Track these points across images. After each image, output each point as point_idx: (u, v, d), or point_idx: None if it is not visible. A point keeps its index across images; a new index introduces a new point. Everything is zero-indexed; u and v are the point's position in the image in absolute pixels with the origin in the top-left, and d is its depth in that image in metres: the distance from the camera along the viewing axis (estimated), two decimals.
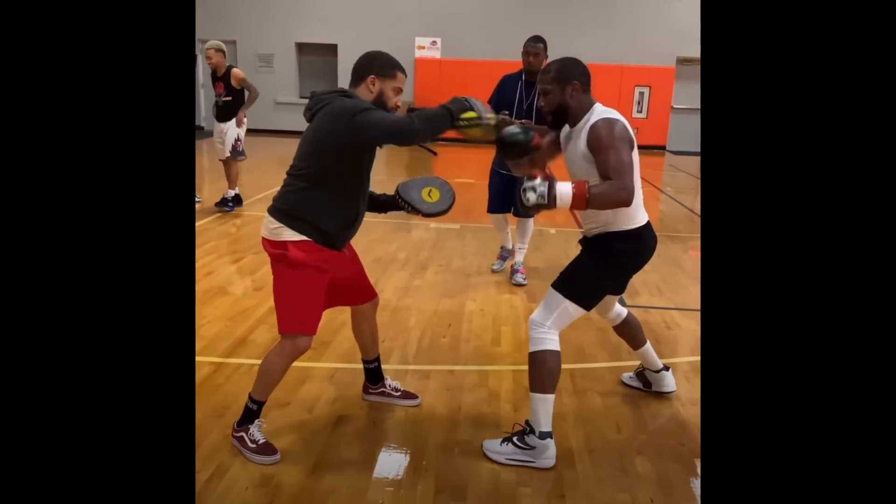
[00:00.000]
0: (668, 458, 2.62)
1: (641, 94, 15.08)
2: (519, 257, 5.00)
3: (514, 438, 2.56)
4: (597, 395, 3.14)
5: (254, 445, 2.47)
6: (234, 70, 6.63)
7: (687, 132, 15.48)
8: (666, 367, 3.13)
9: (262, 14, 15.29)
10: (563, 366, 2.63)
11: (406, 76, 2.49)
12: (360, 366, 3.07)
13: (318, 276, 2.42)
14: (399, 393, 2.95)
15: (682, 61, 15.11)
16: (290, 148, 9.44)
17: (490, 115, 2.35)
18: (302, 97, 15.89)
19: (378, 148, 2.50)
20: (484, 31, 15.10)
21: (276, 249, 2.39)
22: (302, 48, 15.71)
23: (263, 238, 2.44)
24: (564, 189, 2.27)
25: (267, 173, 9.19)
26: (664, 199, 9.25)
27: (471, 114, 2.30)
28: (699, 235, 6.55)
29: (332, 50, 15.54)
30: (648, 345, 3.09)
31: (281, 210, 2.39)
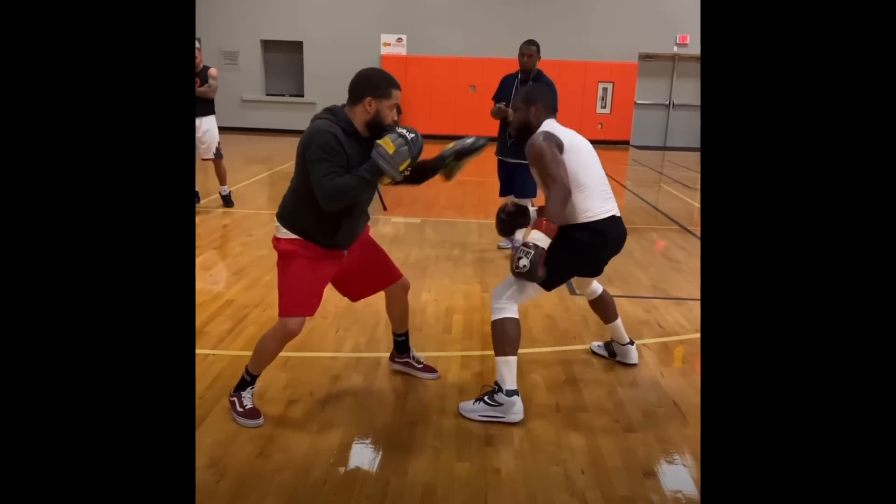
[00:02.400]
0: (601, 433, 2.76)
1: (605, 89, 15.33)
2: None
3: (485, 397, 2.84)
4: (539, 377, 3.27)
5: (241, 410, 2.74)
6: (212, 70, 6.72)
7: (649, 127, 15.80)
8: (631, 342, 3.47)
9: (226, 11, 15.22)
10: None
11: (400, 90, 2.63)
12: (313, 354, 3.23)
13: (308, 266, 2.65)
14: (421, 365, 3.23)
15: (644, 57, 15.38)
16: (257, 145, 9.66)
17: (404, 149, 2.46)
18: (268, 94, 15.88)
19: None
20: (449, 28, 15.20)
21: (276, 244, 2.71)
22: (267, 45, 15.67)
23: (273, 236, 2.74)
24: (536, 235, 2.66)
25: (232, 171, 9.20)
26: (625, 192, 9.45)
27: (405, 164, 2.48)
28: (655, 227, 6.71)
29: (297, 47, 15.53)
30: (619, 320, 3.44)
31: (280, 212, 2.71)
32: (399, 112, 2.74)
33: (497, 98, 5.47)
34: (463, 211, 7.27)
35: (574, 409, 2.96)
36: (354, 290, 3.01)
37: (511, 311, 2.82)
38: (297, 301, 2.67)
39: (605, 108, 15.39)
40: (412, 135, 2.50)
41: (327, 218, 2.60)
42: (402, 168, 2.49)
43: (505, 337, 2.81)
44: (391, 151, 2.45)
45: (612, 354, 3.51)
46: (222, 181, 7.10)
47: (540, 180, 2.85)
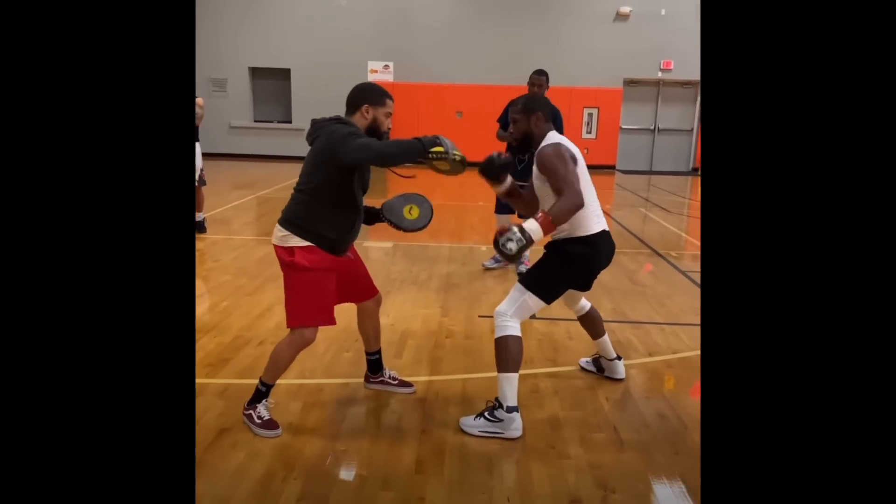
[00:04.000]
0: (534, 459, 2.72)
1: (590, 115, 15.43)
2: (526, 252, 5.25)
3: (486, 413, 2.92)
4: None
5: (259, 421, 2.84)
6: (198, 99, 6.74)
7: (635, 152, 15.88)
8: (618, 357, 3.55)
9: (214, 39, 15.35)
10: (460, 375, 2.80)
11: (394, 101, 2.82)
12: (254, 381, 3.18)
13: (321, 277, 2.77)
14: (396, 381, 3.31)
15: (629, 83, 15.50)
16: (245, 171, 9.69)
17: (457, 153, 2.61)
18: (256, 121, 15.97)
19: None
20: (436, 54, 15.33)
21: (284, 254, 2.75)
22: (255, 72, 15.79)
23: (274, 245, 2.79)
24: (532, 226, 2.68)
25: (215, 196, 9.21)
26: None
27: (439, 148, 2.57)
28: (626, 251, 6.70)
29: (285, 74, 15.65)
30: (606, 336, 3.51)
31: (288, 220, 2.75)
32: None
33: (503, 121, 5.66)
34: (437, 235, 7.27)
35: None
36: (336, 296, 2.99)
37: (514, 329, 2.90)
38: (315, 311, 2.79)
39: (590, 133, 15.48)
40: (461, 155, 2.63)
41: (343, 217, 2.77)
42: (458, 159, 2.60)
43: (508, 354, 2.87)
44: (447, 169, 2.63)
45: (601, 370, 3.58)
46: (198, 208, 7.10)
47: (551, 186, 2.84)
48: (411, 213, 3.03)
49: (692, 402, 3.34)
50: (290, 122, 15.67)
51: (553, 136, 2.97)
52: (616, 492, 2.52)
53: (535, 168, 2.96)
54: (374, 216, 3.05)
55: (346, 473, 2.59)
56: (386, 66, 15.51)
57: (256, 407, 2.87)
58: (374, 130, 2.75)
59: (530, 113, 2.98)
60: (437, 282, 5.45)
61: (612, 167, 15.64)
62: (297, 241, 2.71)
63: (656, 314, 4.77)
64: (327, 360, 3.67)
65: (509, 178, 3.17)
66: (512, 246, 2.68)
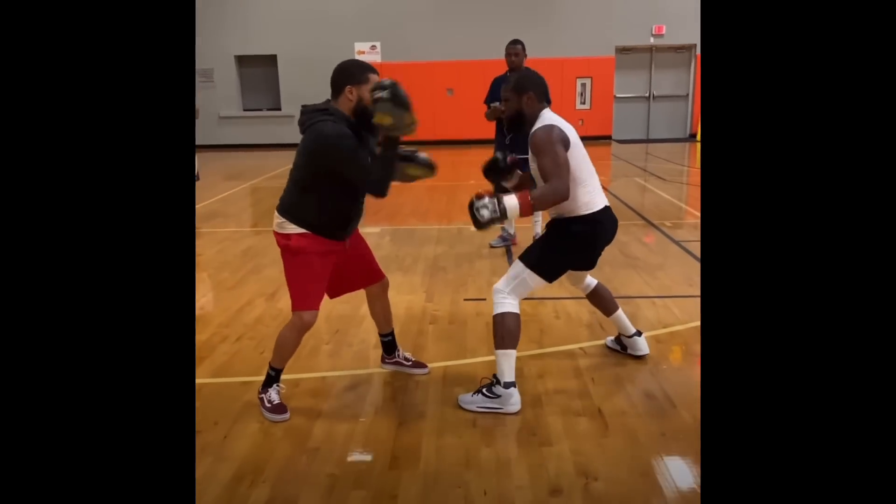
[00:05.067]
0: (514, 448, 2.62)
1: (583, 85, 15.20)
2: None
3: (483, 389, 2.91)
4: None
5: (269, 405, 2.89)
6: None
7: (631, 120, 15.65)
8: (638, 333, 3.43)
9: (198, 29, 15.10)
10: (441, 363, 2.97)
11: (378, 75, 2.72)
12: (228, 379, 3.12)
13: (319, 260, 2.77)
14: (410, 363, 3.32)
15: (621, 50, 15.23)
16: (237, 161, 9.61)
17: (398, 110, 2.52)
18: (245, 110, 15.80)
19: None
20: (423, 32, 15.08)
21: (282, 240, 2.78)
22: (242, 61, 15.60)
23: (274, 231, 2.81)
24: (511, 202, 2.67)
25: (209, 190, 9.12)
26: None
27: (408, 118, 2.56)
28: (620, 223, 6.63)
29: (271, 60, 15.45)
30: (620, 311, 3.39)
31: (284, 207, 2.77)
32: None
33: (489, 100, 5.62)
34: (426, 217, 7.14)
35: (494, 424, 2.82)
36: (340, 284, 3.04)
37: (512, 306, 2.88)
38: (311, 295, 2.81)
39: (584, 104, 15.24)
40: (390, 90, 2.51)
41: (338, 211, 2.77)
42: (408, 123, 2.56)
43: (505, 330, 2.86)
44: (390, 121, 2.53)
45: (624, 348, 3.47)
46: None
47: (539, 171, 2.80)
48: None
49: (681, 378, 3.22)
50: (279, 108, 15.48)
51: (547, 117, 2.88)
52: (598, 479, 2.41)
53: (529, 147, 2.89)
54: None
55: (317, 474, 2.49)
56: (373, 47, 15.27)
57: (268, 391, 2.91)
58: (362, 111, 2.66)
59: (522, 92, 2.89)
60: (423, 266, 5.33)
61: (609, 137, 15.42)
62: (294, 228, 2.73)
63: (648, 287, 4.64)
64: (305, 353, 3.56)
65: (517, 174, 3.17)
66: (486, 213, 2.66)
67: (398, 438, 2.72)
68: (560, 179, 2.71)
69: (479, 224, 2.70)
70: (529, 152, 2.90)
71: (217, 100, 15.45)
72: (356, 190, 2.77)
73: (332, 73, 2.73)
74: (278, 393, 2.93)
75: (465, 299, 4.47)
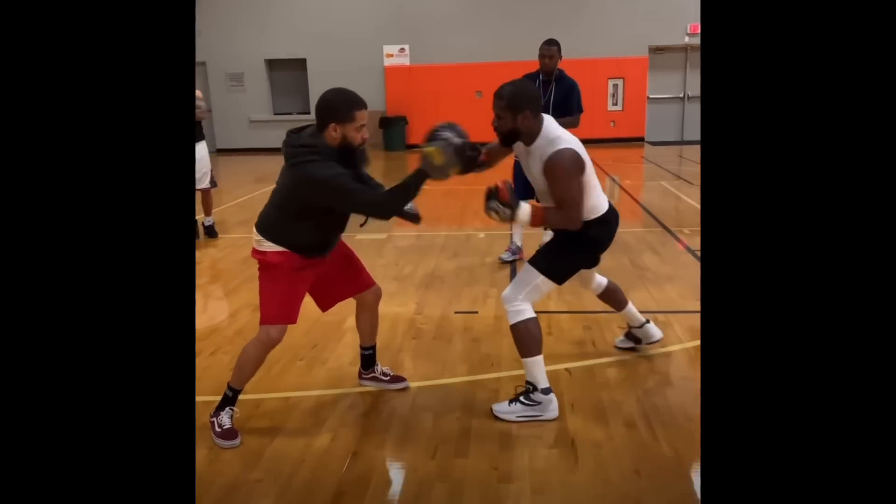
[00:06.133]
0: (471, 485, 2.41)
1: (615, 86, 14.79)
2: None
3: (521, 398, 2.85)
4: (431, 414, 2.93)
5: (219, 430, 2.73)
6: (196, 91, 6.17)
7: (664, 122, 15.19)
8: (647, 320, 3.46)
9: (230, 34, 15.25)
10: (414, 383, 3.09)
11: (366, 108, 2.58)
12: (206, 398, 3.02)
13: (293, 276, 2.69)
14: (388, 378, 3.21)
15: (655, 50, 14.80)
16: (266, 165, 9.51)
17: (454, 158, 2.56)
18: (276, 114, 15.84)
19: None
20: (452, 35, 14.90)
21: (258, 255, 2.72)
22: (272, 65, 15.64)
23: (252, 248, 2.75)
24: (525, 210, 2.67)
25: (227, 194, 9.10)
26: (620, 192, 8.98)
27: (452, 169, 2.59)
28: (635, 231, 6.26)
29: (301, 64, 15.45)
30: (630, 305, 3.42)
31: (263, 227, 2.69)
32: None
33: None
34: (437, 223, 6.95)
35: (454, 455, 2.61)
36: (327, 295, 2.98)
37: (529, 312, 2.83)
38: (280, 309, 2.71)
39: (616, 104, 14.84)
40: (459, 140, 2.57)
41: (319, 234, 2.70)
42: (449, 173, 2.59)
43: (529, 338, 2.82)
44: (440, 162, 2.54)
45: (637, 341, 3.49)
46: (208, 212, 6.62)
47: (551, 193, 2.74)
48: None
49: (669, 406, 2.96)
50: (308, 112, 15.43)
51: (563, 138, 2.70)
52: None
53: (537, 162, 2.74)
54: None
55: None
56: (402, 50, 15.15)
57: (220, 414, 2.75)
58: (346, 149, 2.54)
59: (517, 111, 2.67)
60: (421, 276, 5.13)
61: (641, 139, 14.99)
62: (271, 247, 2.66)
63: (652, 301, 4.37)
64: (276, 370, 3.41)
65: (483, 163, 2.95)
66: (495, 216, 2.69)
67: (349, 469, 2.53)
68: (576, 210, 2.71)
69: (487, 213, 2.72)
70: (536, 169, 2.76)
71: (247, 104, 15.54)
72: (347, 217, 2.74)
73: (317, 102, 2.58)
74: (231, 417, 2.77)
75: (456, 312, 4.27)
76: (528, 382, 2.85)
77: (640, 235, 6.08)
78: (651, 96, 14.96)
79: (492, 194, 2.67)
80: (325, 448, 2.69)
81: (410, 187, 2.57)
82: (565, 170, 2.65)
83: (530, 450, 2.63)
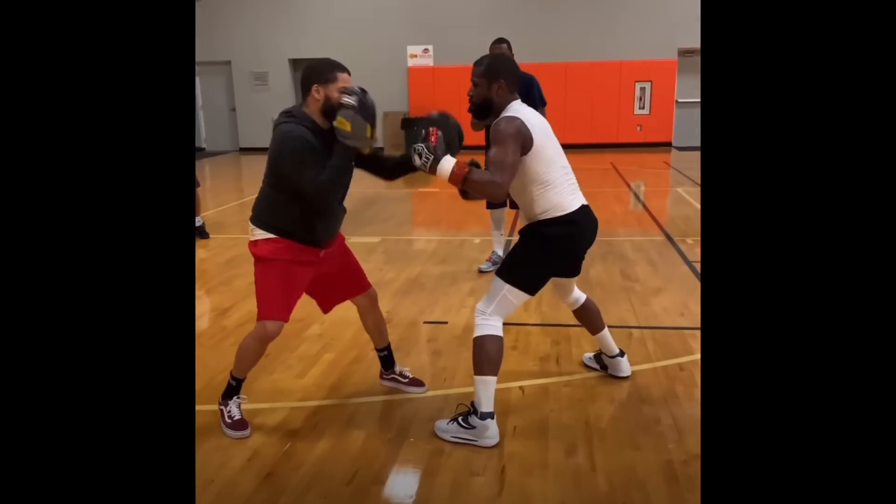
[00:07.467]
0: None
1: (643, 89, 14.44)
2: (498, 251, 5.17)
3: (459, 419, 2.69)
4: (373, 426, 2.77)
5: (229, 420, 2.77)
6: None
7: (693, 126, 14.75)
8: (621, 353, 3.23)
9: (254, 33, 15.34)
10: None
11: (349, 74, 2.61)
12: None
13: (288, 269, 2.67)
14: (407, 380, 3.18)
15: (684, 53, 14.40)
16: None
17: (358, 118, 2.45)
18: None
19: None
20: (476, 35, 14.60)
21: (253, 248, 2.72)
22: (296, 64, 15.67)
23: (249, 243, 2.74)
24: (446, 164, 2.44)
25: (253, 190, 9.09)
26: (630, 198, 8.69)
27: (367, 131, 2.48)
28: (633, 239, 6.01)
29: None
30: (606, 331, 3.19)
31: (255, 215, 2.71)
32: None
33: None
34: (434, 227, 6.78)
35: (371, 482, 2.44)
36: (328, 296, 2.98)
37: (494, 328, 2.66)
38: (275, 305, 2.68)
39: (643, 108, 14.47)
40: (358, 98, 2.47)
41: (306, 214, 2.63)
42: (368, 135, 2.49)
43: (484, 355, 2.63)
44: (348, 128, 2.46)
45: (604, 367, 3.28)
46: (196, 212, 6.50)
47: (488, 160, 2.57)
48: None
49: (616, 434, 2.73)
50: None
51: (514, 109, 2.62)
52: None
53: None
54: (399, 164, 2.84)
55: None
56: (426, 51, 15.05)
57: (228, 404, 2.80)
58: (330, 110, 2.55)
59: (493, 79, 2.63)
60: (402, 283, 4.97)
61: (668, 144, 14.60)
62: (262, 234, 2.66)
63: (631, 316, 4.13)
64: (218, 381, 3.27)
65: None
66: (416, 160, 2.47)
67: (257, 491, 2.38)
68: (501, 175, 2.45)
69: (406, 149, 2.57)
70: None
71: (271, 102, 15.56)
72: (322, 202, 2.64)
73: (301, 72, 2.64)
74: (239, 406, 2.81)
75: (426, 322, 4.10)
76: (471, 403, 2.68)
77: (640, 244, 5.80)
78: (679, 100, 14.57)
79: (420, 137, 2.46)
80: (239, 467, 2.54)
81: (336, 165, 2.53)
82: (503, 132, 2.52)
83: (454, 476, 2.45)
